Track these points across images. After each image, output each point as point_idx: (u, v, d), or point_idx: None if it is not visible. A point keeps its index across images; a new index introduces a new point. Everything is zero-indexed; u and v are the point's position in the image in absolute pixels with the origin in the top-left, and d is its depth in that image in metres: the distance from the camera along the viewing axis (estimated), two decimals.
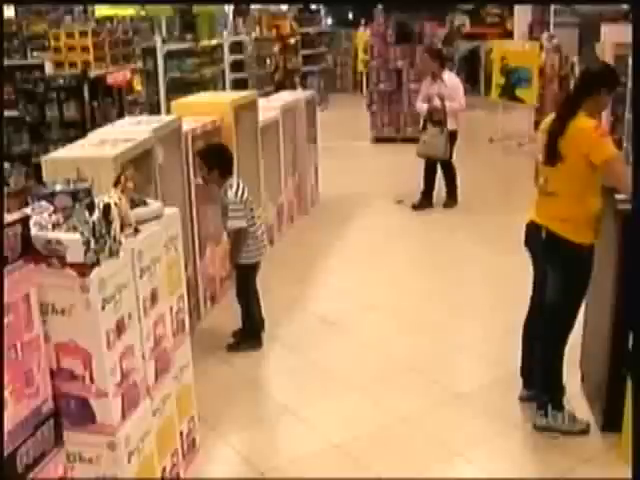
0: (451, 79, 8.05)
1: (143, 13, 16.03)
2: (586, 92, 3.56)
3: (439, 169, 8.14)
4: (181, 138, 4.89)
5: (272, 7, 17.92)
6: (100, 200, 2.75)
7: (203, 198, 5.16)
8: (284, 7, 19.18)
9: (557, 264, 3.65)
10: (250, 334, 4.84)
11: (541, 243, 3.68)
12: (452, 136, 7.94)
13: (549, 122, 3.66)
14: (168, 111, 7.72)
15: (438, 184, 8.24)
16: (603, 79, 3.61)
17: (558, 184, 3.56)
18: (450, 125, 7.86)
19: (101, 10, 15.72)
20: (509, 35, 17.63)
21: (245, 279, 4.83)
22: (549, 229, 3.61)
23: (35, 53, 13.03)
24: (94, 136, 4.19)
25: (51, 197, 2.81)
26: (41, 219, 2.67)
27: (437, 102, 7.79)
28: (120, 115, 7.77)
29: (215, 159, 4.71)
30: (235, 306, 4.88)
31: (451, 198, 8.18)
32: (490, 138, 11.95)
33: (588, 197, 3.53)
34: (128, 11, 16.14)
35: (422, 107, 8.03)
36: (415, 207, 8.12)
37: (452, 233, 7.39)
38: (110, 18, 15.33)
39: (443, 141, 7.81)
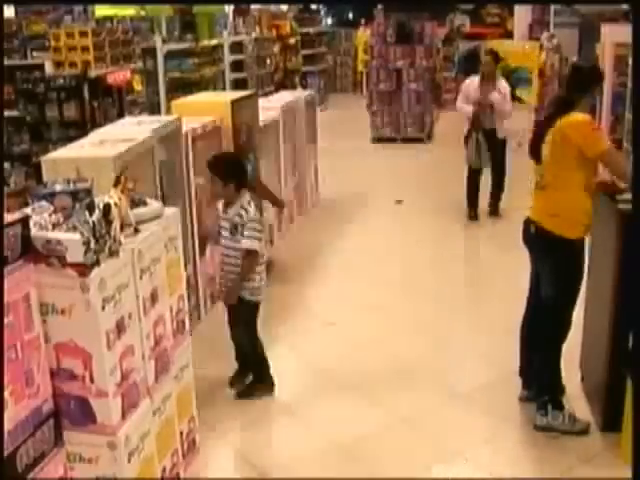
0: (504, 86, 7.55)
1: (143, 13, 15.99)
2: (578, 90, 3.62)
3: (490, 173, 7.76)
4: (181, 138, 4.89)
5: (272, 7, 17.93)
6: (100, 200, 2.75)
7: (206, 199, 5.06)
8: (284, 7, 19.19)
9: (546, 259, 3.69)
10: (263, 378, 4.32)
11: (532, 238, 3.71)
12: (503, 143, 7.68)
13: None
14: (168, 111, 7.73)
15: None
16: (591, 78, 3.67)
17: (548, 176, 3.61)
18: (500, 133, 7.59)
19: (101, 10, 15.68)
20: (509, 35, 17.66)
21: (251, 319, 4.23)
22: (538, 224, 3.65)
23: (35, 53, 13.02)
24: (94, 136, 4.19)
25: (51, 197, 2.81)
26: (41, 219, 2.67)
27: (468, 109, 7.42)
28: (120, 115, 7.78)
29: (232, 171, 4.09)
30: None
31: (492, 206, 7.82)
32: None
33: (577, 191, 3.56)
34: (128, 11, 16.10)
35: (468, 109, 7.49)
36: (471, 217, 7.73)
37: (452, 232, 7.40)
38: (110, 18, 15.30)
39: (474, 149, 7.47)
